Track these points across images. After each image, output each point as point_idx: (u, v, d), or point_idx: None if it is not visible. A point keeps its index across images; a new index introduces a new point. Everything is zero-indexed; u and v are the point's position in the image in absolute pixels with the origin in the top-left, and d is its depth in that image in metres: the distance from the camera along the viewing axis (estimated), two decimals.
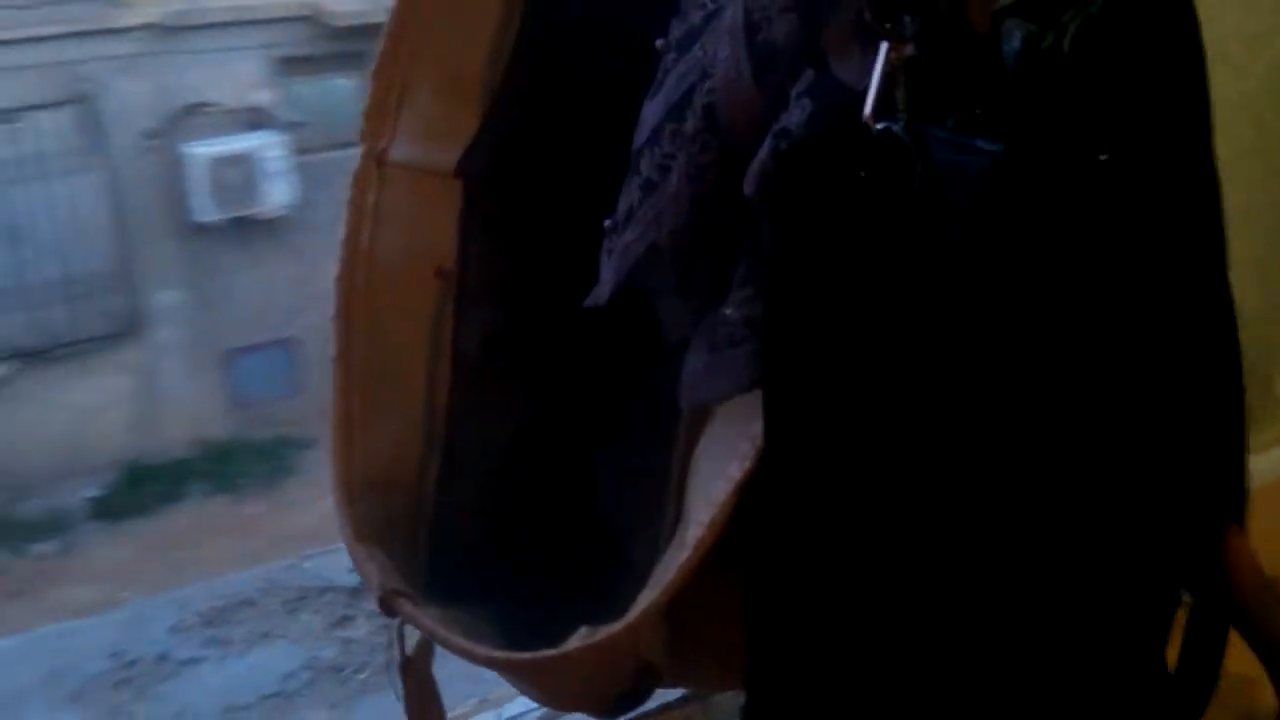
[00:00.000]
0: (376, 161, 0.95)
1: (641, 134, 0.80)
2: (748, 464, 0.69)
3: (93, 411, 8.74)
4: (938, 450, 0.61)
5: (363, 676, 5.97)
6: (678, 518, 0.78)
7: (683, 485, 0.79)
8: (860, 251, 0.62)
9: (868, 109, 0.61)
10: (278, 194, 8.85)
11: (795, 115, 0.68)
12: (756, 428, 0.68)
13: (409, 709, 0.92)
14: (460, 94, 0.97)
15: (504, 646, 0.79)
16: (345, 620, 6.53)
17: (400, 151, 0.96)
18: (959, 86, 0.60)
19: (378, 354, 0.93)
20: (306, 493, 8.69)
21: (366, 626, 6.41)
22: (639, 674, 0.80)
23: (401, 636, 0.89)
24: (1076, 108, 0.57)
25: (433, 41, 0.97)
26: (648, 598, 0.72)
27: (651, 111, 0.79)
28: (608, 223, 0.83)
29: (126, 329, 8.91)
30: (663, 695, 1.07)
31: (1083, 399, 0.60)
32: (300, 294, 9.28)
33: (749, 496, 0.69)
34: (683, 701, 1.06)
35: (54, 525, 8.30)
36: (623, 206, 0.81)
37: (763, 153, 0.69)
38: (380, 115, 0.97)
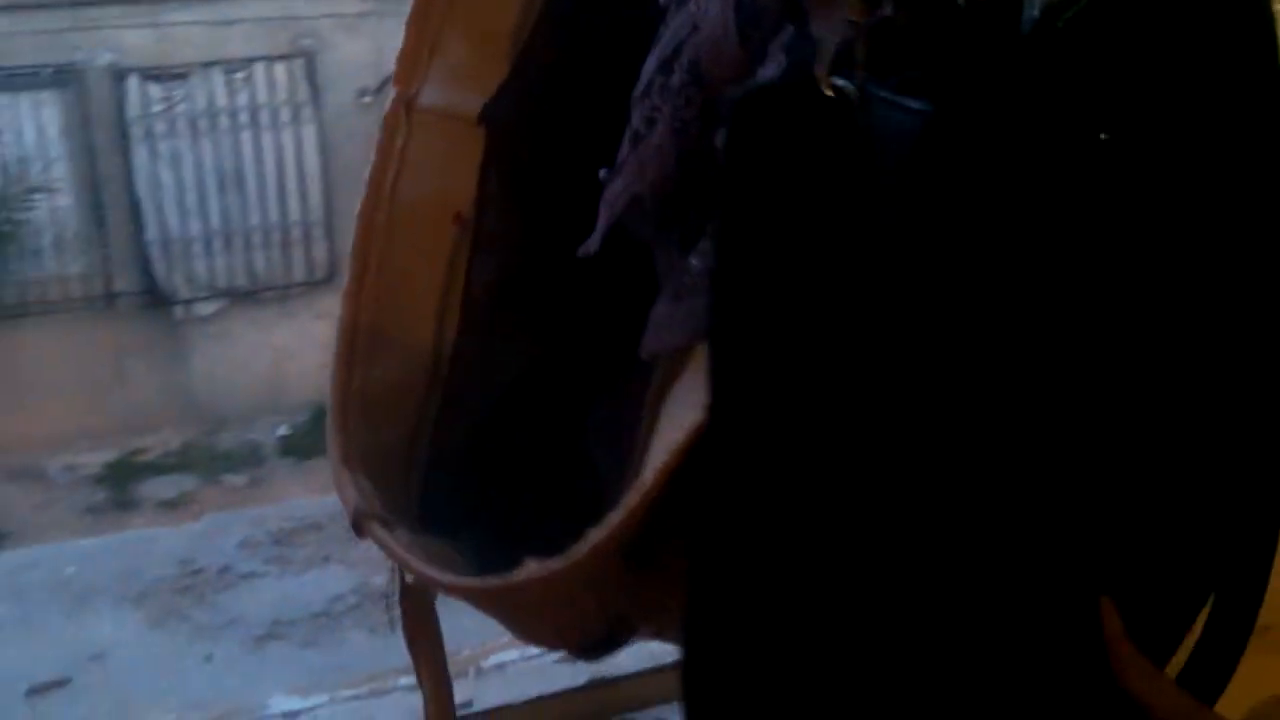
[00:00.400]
0: (406, 106, 0.99)
1: (637, 88, 0.82)
2: (707, 413, 0.68)
3: (290, 353, 9.10)
4: (874, 405, 0.62)
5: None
6: (644, 457, 0.79)
7: (651, 434, 0.80)
8: (801, 204, 0.63)
9: (819, 64, 0.63)
10: None
11: (769, 70, 0.69)
12: None
13: (406, 639, 0.94)
14: (491, 44, 1.01)
15: (465, 576, 0.82)
16: None
17: (429, 97, 1.00)
18: (915, 50, 0.61)
19: (389, 291, 0.97)
20: None
21: None
22: (610, 621, 0.81)
23: (393, 568, 0.93)
24: (1077, 82, 0.58)
25: None
26: (594, 537, 0.73)
27: (647, 66, 0.81)
28: (602, 173, 0.85)
29: (328, 277, 9.24)
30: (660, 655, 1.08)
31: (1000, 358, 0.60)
32: None
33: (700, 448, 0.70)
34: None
35: (246, 458, 8.68)
36: (617, 157, 0.84)
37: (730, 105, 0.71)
38: (413, 62, 1.01)
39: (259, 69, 8.85)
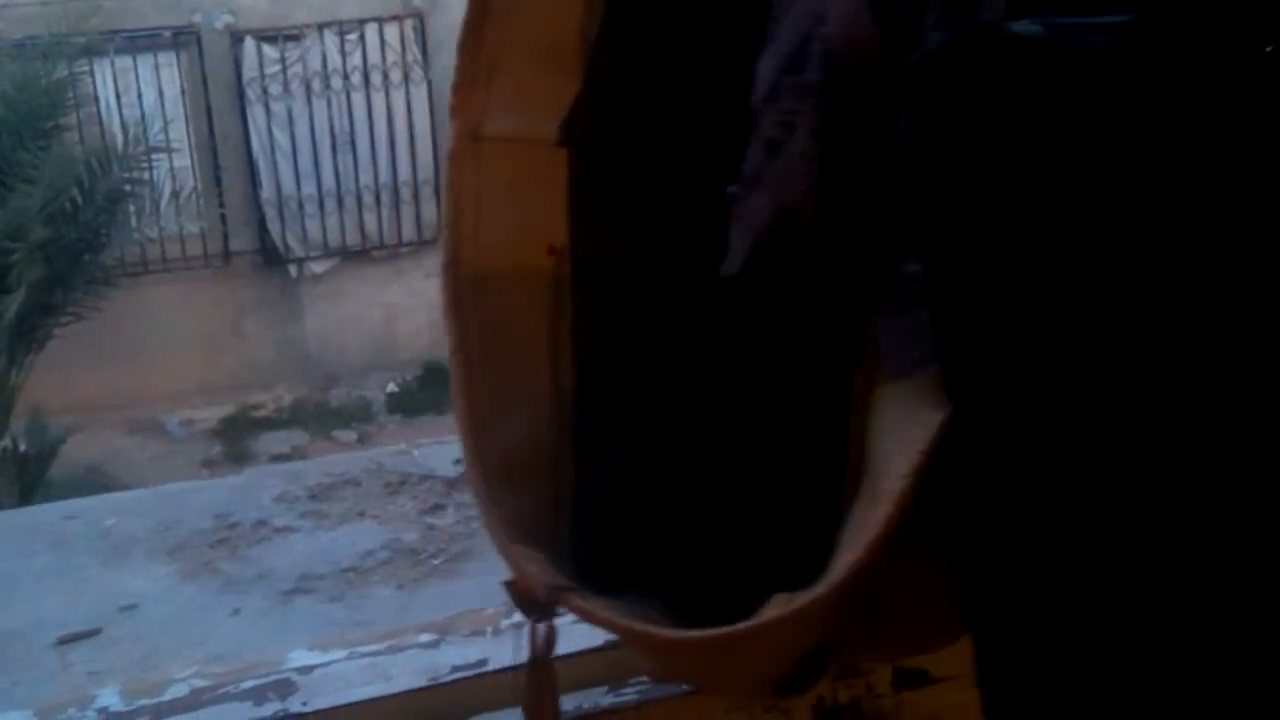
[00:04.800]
0: (473, 137, 0.92)
1: (759, 92, 0.75)
2: (946, 409, 0.65)
3: (400, 312, 9.19)
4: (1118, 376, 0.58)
5: (436, 562, 6.17)
6: (858, 474, 0.74)
7: (859, 442, 0.74)
8: (1006, 159, 0.59)
9: (992, 11, 0.59)
10: None
11: (933, 44, 0.65)
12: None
13: (529, 705, 0.87)
14: (555, 59, 0.92)
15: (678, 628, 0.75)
16: (436, 508, 6.71)
17: (496, 125, 0.91)
18: None
19: (496, 343, 0.88)
20: None
21: (454, 516, 6.58)
22: (814, 650, 0.77)
23: (535, 635, 0.85)
24: None
25: (522, 4, 0.92)
26: (849, 558, 0.67)
27: (766, 66, 0.74)
28: (733, 189, 0.78)
29: (436, 237, 9.28)
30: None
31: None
32: None
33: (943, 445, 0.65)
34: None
35: (356, 413, 8.81)
36: (747, 170, 0.76)
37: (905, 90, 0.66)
38: (471, 87, 0.92)
39: (371, 30, 8.89)
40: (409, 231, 9.28)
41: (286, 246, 9.04)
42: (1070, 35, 0.57)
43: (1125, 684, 0.62)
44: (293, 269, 9.10)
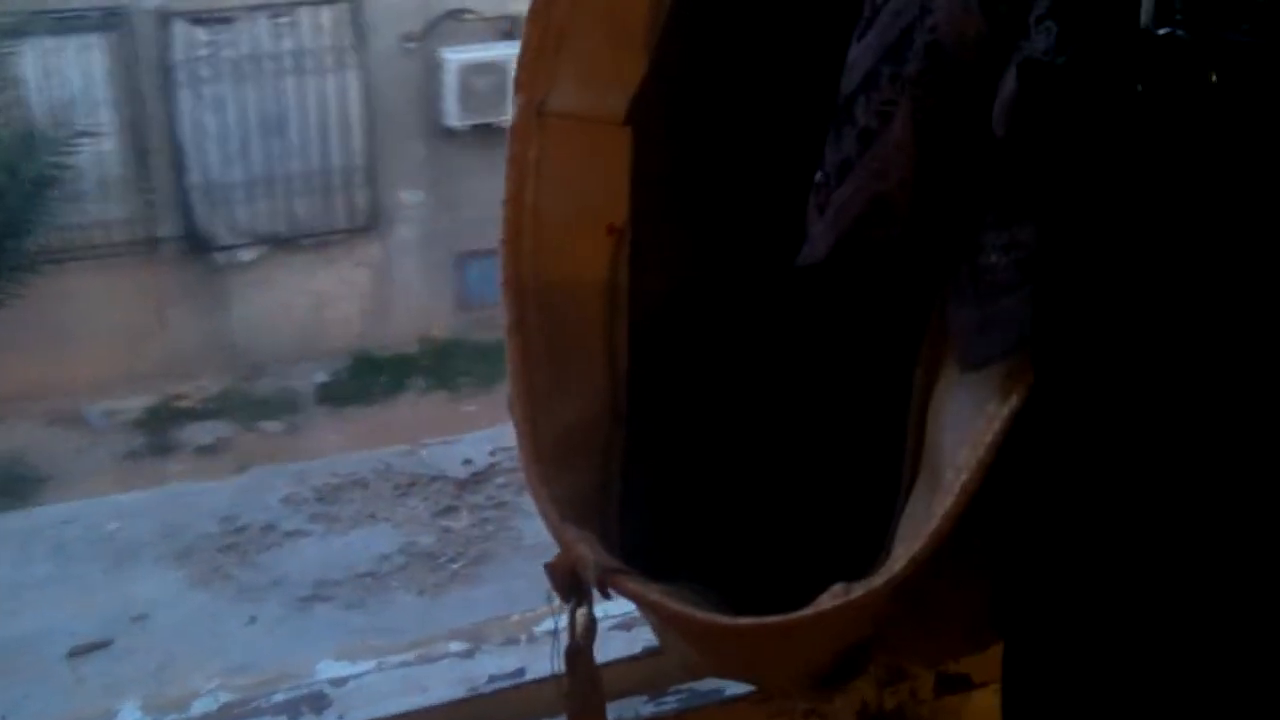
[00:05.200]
0: (537, 112, 0.91)
1: (852, 79, 0.74)
2: (1013, 402, 0.64)
3: (330, 301, 9.08)
4: (1236, 403, 0.56)
5: (456, 566, 6.07)
6: (915, 466, 0.74)
7: (920, 432, 0.75)
8: (1146, 175, 0.57)
9: (1145, 16, 0.56)
10: None
11: (1040, 40, 0.63)
12: (1015, 362, 0.65)
13: (572, 696, 0.88)
14: (625, 35, 0.91)
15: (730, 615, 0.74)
16: (449, 510, 6.64)
17: (562, 100, 0.91)
18: None
19: (553, 322, 0.88)
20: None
21: (468, 518, 6.52)
22: (855, 645, 0.76)
23: (574, 622, 0.85)
24: None
25: None
26: (911, 548, 0.67)
27: (863, 54, 0.74)
28: (819, 176, 0.78)
29: (368, 224, 9.20)
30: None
31: None
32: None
33: (1011, 438, 0.64)
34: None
35: (283, 405, 8.68)
36: (833, 158, 0.76)
37: (1009, 85, 0.64)
38: (539, 61, 0.90)
39: (303, 13, 8.76)
40: (340, 219, 9.16)
41: (214, 233, 8.88)
42: (1249, 56, 0.55)
43: (1156, 704, 0.61)
44: (220, 256, 8.95)
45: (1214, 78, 0.54)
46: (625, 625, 1.05)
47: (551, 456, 0.87)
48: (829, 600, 0.70)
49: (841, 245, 0.78)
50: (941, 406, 0.72)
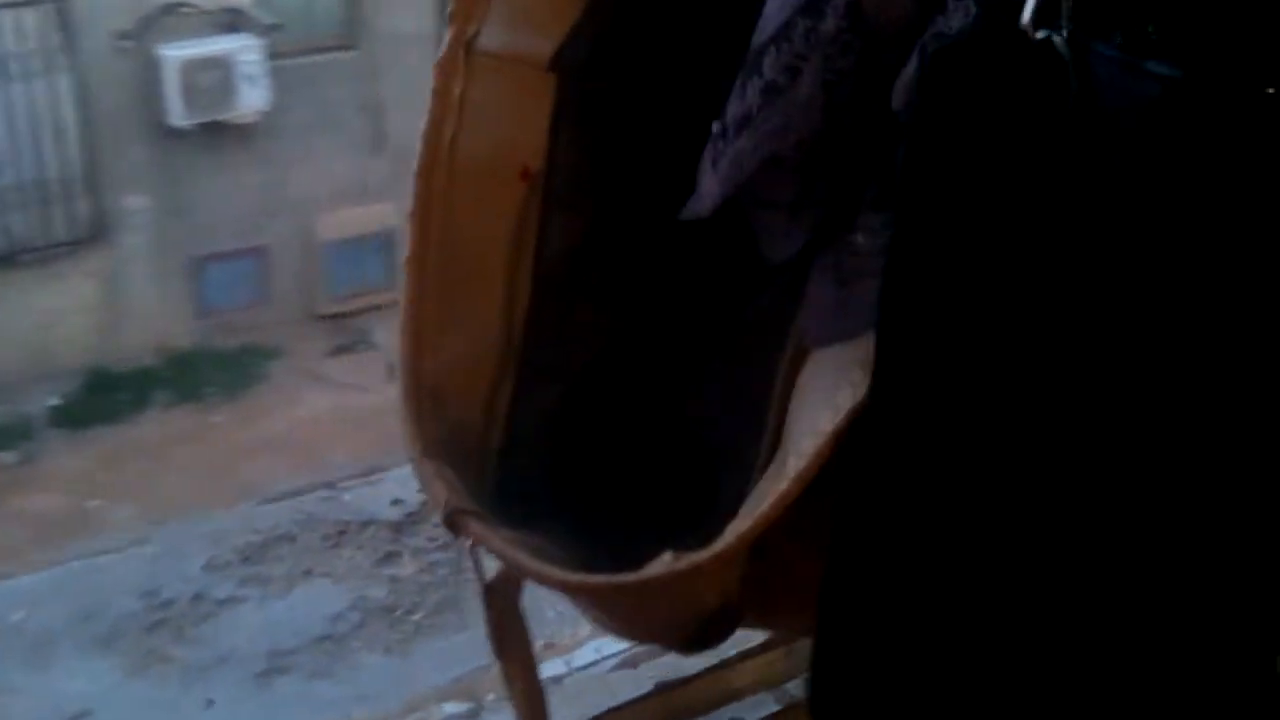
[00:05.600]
0: (465, 49, 0.88)
1: (764, 32, 0.73)
2: (860, 393, 0.65)
3: (57, 317, 8.59)
4: (1070, 402, 0.56)
5: (417, 618, 5.78)
6: (775, 445, 0.74)
7: (783, 411, 0.75)
8: (1006, 171, 0.58)
9: (1026, 14, 0.57)
10: (252, 99, 8.67)
11: (955, 18, 0.64)
12: (868, 353, 0.65)
13: (492, 637, 0.87)
14: None
15: (577, 571, 0.75)
16: (391, 557, 6.36)
17: (491, 39, 0.89)
18: (1140, 5, 0.56)
19: (454, 259, 0.87)
20: (272, 401, 8.59)
21: (415, 564, 6.26)
22: (719, 611, 0.76)
23: (478, 561, 0.85)
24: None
25: None
26: (740, 526, 0.69)
27: (775, 6, 0.73)
28: (716, 128, 0.77)
29: (93, 234, 8.74)
30: (743, 640, 1.03)
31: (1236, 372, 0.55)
32: (271, 201, 9.14)
33: (854, 430, 0.64)
34: (763, 647, 1.01)
35: (14, 432, 8.17)
36: (734, 110, 0.76)
37: (913, 64, 0.65)
38: None
39: (5, 16, 8.23)
40: (61, 231, 8.66)
41: None
42: (1111, 69, 0.57)
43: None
44: None
45: (1075, 85, 0.56)
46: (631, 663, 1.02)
47: (431, 392, 0.87)
48: (656, 568, 0.71)
49: (729, 203, 0.77)
50: (804, 386, 0.73)
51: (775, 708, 1.09)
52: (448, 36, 0.88)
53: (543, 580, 0.75)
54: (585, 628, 0.95)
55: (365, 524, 6.75)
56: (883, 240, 0.66)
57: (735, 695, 1.10)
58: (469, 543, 0.84)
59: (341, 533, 6.68)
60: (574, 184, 0.91)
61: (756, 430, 0.81)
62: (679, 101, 0.88)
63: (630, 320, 0.92)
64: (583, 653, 1.12)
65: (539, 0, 0.89)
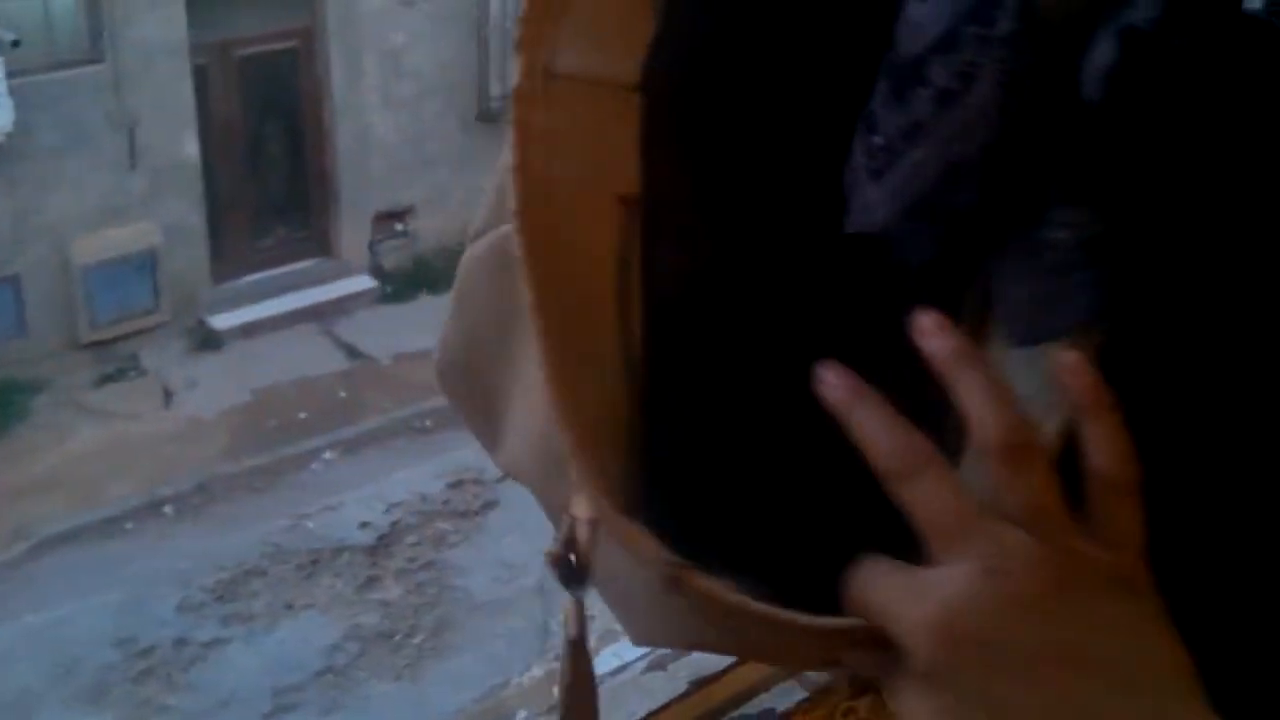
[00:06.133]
0: (542, 75, 0.80)
1: (919, 40, 0.70)
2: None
3: None
4: None
5: (418, 641, 5.56)
6: (959, 442, 0.69)
7: (960, 434, 0.70)
8: (1234, 157, 0.57)
9: None
10: None
11: (1142, 7, 0.61)
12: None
13: (566, 696, 0.80)
14: None
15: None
16: (373, 582, 6.10)
17: (569, 62, 0.81)
18: None
19: (569, 298, 0.79)
20: (39, 438, 8.17)
21: (399, 587, 6.02)
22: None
23: (580, 613, 0.78)
24: None
25: None
26: None
27: (932, 15, 0.70)
28: (877, 140, 0.73)
29: None
30: None
31: None
32: (21, 228, 8.65)
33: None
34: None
35: None
36: (897, 121, 0.72)
37: (1105, 51, 0.62)
38: (541, 20, 0.81)
39: None
40: None
41: None
42: None
43: None
44: None
45: None
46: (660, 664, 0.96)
47: (593, 444, 0.78)
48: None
49: (906, 212, 0.73)
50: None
51: (803, 694, 1.07)
52: (520, 64, 0.80)
53: (780, 624, 0.68)
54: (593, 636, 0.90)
55: (338, 550, 6.53)
56: (1087, 233, 0.65)
57: (765, 685, 1.08)
58: (577, 596, 0.76)
59: (315, 562, 6.46)
60: (677, 207, 0.85)
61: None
62: (777, 112, 0.83)
63: (760, 346, 0.87)
64: (604, 659, 1.07)
65: (613, 16, 0.83)
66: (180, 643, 5.37)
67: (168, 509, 7.72)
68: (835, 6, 0.80)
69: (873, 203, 0.74)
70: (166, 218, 9.16)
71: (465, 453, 7.57)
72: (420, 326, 9.63)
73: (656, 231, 0.82)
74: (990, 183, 0.70)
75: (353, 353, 9.41)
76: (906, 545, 0.69)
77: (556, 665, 1.09)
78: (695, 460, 0.85)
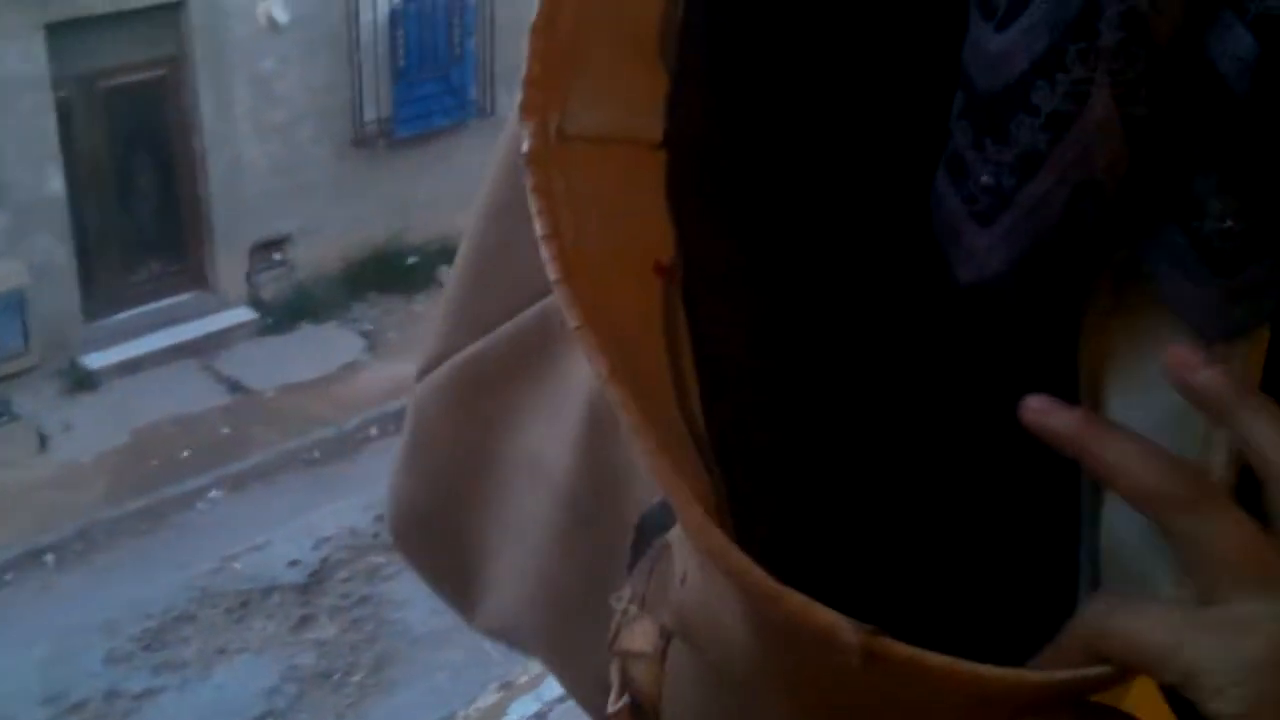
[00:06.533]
0: (558, 136, 0.75)
1: (1005, 70, 0.68)
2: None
3: None
4: None
5: (358, 679, 5.45)
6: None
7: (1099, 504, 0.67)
8: None
9: None
10: None
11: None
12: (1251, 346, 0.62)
13: None
14: (637, 44, 0.77)
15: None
16: (308, 621, 5.94)
17: (583, 122, 0.76)
18: None
19: (627, 368, 0.74)
20: None
21: (334, 625, 5.88)
22: None
23: (626, 675, 0.71)
24: None
25: None
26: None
27: (1023, 41, 0.67)
28: (984, 180, 0.70)
29: None
30: None
31: None
32: None
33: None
34: None
35: None
36: (1003, 156, 0.69)
37: (1243, 43, 0.61)
38: (549, 80, 0.75)
39: None
40: None
41: None
42: None
43: None
44: None
45: None
46: None
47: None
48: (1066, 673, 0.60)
49: (1034, 247, 0.71)
50: (1132, 404, 0.67)
51: None
52: (529, 128, 0.75)
53: (986, 685, 0.63)
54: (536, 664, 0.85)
55: (267, 590, 6.35)
56: (1248, 222, 0.64)
57: None
58: (623, 657, 0.71)
59: (244, 604, 6.27)
60: (718, 268, 0.80)
61: (1049, 503, 0.73)
62: (815, 159, 0.79)
63: (833, 405, 0.82)
64: (550, 686, 1.02)
65: (625, 72, 0.78)
66: (112, 695, 5.26)
67: (48, 558, 7.49)
68: (862, 45, 0.77)
69: (982, 249, 0.71)
70: (33, 256, 8.87)
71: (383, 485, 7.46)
72: (303, 357, 9.46)
73: (697, 296, 0.78)
74: (1121, 196, 0.68)
75: (235, 386, 9.20)
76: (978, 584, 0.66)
77: (500, 695, 1.03)
78: (794, 535, 0.80)
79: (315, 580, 6.50)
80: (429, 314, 10.05)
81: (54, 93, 8.80)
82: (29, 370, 8.84)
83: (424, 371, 0.89)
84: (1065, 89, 0.66)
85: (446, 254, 10.90)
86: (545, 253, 0.72)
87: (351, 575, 6.54)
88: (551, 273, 0.72)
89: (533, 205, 0.74)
